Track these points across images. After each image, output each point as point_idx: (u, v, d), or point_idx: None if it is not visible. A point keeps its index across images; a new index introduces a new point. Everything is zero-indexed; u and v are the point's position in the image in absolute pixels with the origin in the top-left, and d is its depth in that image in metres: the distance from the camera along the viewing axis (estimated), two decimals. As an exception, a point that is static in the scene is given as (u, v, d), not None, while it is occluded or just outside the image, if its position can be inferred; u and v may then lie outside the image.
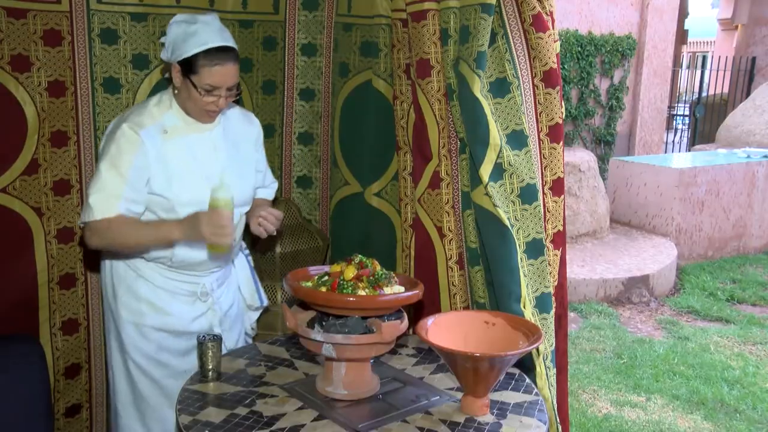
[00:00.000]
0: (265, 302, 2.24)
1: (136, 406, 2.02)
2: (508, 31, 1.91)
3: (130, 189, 1.83)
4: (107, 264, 2.03)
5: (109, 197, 1.81)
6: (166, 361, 2.01)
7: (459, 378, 1.60)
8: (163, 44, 1.92)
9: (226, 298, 2.11)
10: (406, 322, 1.69)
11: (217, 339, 1.77)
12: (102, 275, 2.07)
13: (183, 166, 1.89)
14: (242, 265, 2.21)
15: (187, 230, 1.79)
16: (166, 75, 1.99)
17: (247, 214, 2.08)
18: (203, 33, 1.83)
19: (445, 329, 1.64)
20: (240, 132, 2.06)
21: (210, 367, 1.76)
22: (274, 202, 2.30)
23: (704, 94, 10.46)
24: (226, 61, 1.83)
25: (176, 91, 1.90)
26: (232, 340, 2.13)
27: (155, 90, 2.34)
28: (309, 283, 1.67)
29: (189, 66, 1.82)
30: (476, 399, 1.60)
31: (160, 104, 1.92)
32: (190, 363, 1.97)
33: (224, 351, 1.95)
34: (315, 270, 1.78)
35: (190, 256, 1.95)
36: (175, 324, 1.99)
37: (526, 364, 1.88)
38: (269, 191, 2.24)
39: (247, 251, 2.26)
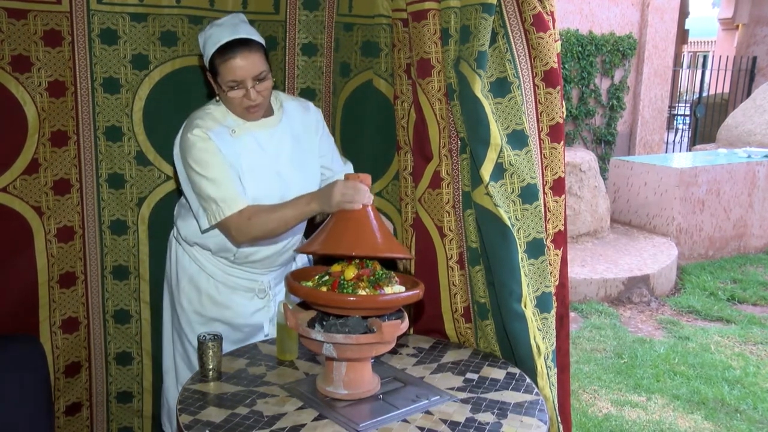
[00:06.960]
0: None
1: None
2: (509, 30, 1.91)
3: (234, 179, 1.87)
4: (173, 256, 2.12)
5: (228, 190, 1.84)
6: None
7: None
8: None
9: (283, 295, 2.16)
10: (406, 321, 1.69)
11: (218, 339, 1.77)
12: (167, 265, 2.17)
13: (254, 160, 1.93)
14: (304, 263, 2.26)
15: (322, 198, 1.77)
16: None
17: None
18: (215, 34, 1.87)
19: None
20: (299, 123, 2.07)
21: (210, 366, 1.76)
22: None
23: (705, 93, 10.47)
24: (238, 52, 1.84)
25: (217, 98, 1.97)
26: None
27: (155, 90, 2.35)
28: (309, 283, 1.67)
29: (213, 69, 1.88)
30: None
31: (220, 108, 1.95)
32: None
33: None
34: (315, 270, 1.78)
35: (252, 254, 2.02)
36: (233, 317, 2.07)
37: (528, 364, 1.88)
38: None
39: None
